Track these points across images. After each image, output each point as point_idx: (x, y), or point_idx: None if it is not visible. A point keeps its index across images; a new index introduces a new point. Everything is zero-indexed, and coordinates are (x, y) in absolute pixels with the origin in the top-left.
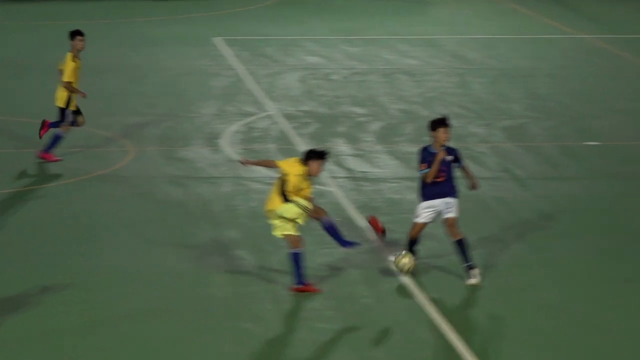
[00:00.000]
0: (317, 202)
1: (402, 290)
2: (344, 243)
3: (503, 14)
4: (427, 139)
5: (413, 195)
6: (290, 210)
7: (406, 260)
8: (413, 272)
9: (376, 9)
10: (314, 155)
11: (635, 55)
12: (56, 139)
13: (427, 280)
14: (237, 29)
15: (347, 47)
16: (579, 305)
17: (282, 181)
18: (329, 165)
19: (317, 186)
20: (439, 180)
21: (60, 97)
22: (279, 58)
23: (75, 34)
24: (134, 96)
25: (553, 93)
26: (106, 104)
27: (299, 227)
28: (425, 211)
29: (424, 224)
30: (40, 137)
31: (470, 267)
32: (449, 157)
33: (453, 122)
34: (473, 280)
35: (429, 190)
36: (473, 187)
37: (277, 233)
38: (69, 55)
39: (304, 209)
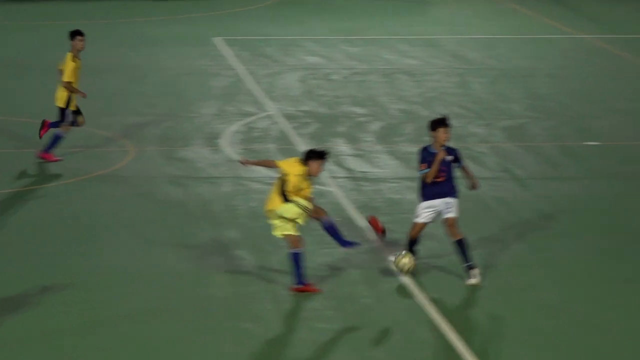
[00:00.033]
0: (317, 202)
1: (402, 290)
2: (344, 243)
3: (503, 14)
4: (427, 139)
5: (413, 195)
6: (290, 210)
7: (406, 260)
8: (413, 272)
9: (376, 9)
10: (314, 155)
11: (635, 55)
12: (56, 139)
13: (427, 280)
14: (237, 29)
15: (347, 47)
16: (579, 305)
17: (282, 181)
18: (329, 165)
19: (317, 186)
20: (439, 180)
21: (60, 97)
22: (279, 58)
23: (75, 34)
24: (134, 96)
25: (553, 93)
26: (106, 104)
27: (299, 227)
28: (425, 211)
29: (424, 224)
30: (40, 137)
31: (470, 267)
32: (449, 157)
33: (453, 122)
34: (473, 280)
35: (429, 190)
36: (473, 187)
37: (277, 233)
38: (69, 55)
39: (304, 209)
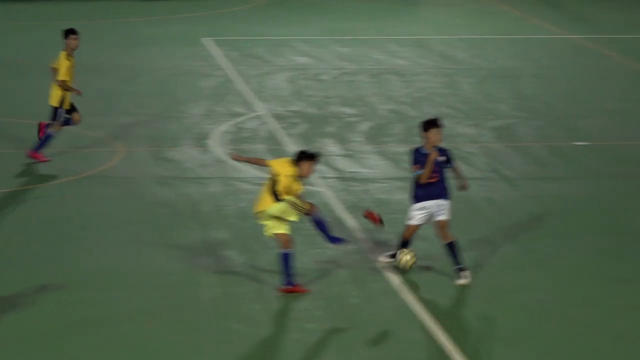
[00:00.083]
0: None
1: (392, 291)
2: (332, 239)
3: (491, 14)
4: (416, 139)
5: (402, 195)
6: (282, 209)
7: (408, 257)
8: (412, 268)
9: (366, 10)
10: (305, 157)
11: (622, 55)
12: (46, 139)
13: (417, 281)
14: (227, 30)
15: (337, 48)
16: (570, 305)
17: (273, 181)
18: (318, 166)
19: (306, 186)
20: (431, 181)
21: (55, 95)
22: (268, 58)
23: (69, 32)
24: (125, 96)
25: (540, 93)
26: (97, 104)
27: (291, 227)
28: (418, 213)
29: (417, 226)
30: (40, 139)
31: (461, 270)
32: (442, 158)
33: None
34: (463, 281)
35: (422, 192)
36: (463, 188)
37: (268, 233)
38: (62, 54)
39: (297, 207)
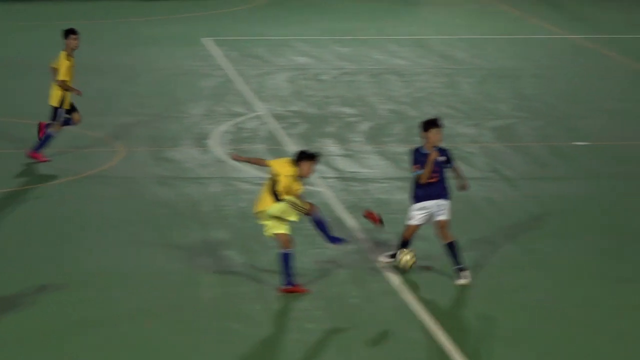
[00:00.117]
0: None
1: (392, 291)
2: (332, 239)
3: (491, 14)
4: (416, 139)
5: (402, 195)
6: (282, 209)
7: (408, 257)
8: (412, 268)
9: (366, 10)
10: (305, 157)
11: (622, 55)
12: (46, 139)
13: (417, 281)
14: (227, 30)
15: (337, 48)
16: (570, 305)
17: (273, 181)
18: (318, 166)
19: (306, 186)
20: (431, 181)
21: (55, 95)
22: (268, 58)
23: (69, 32)
24: (125, 96)
25: (540, 93)
26: (97, 104)
27: (291, 227)
28: (418, 213)
29: (418, 226)
30: (40, 139)
31: (461, 270)
32: (442, 158)
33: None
34: (463, 281)
35: (422, 192)
36: (463, 188)
37: (269, 233)
38: (62, 54)
39: (297, 207)
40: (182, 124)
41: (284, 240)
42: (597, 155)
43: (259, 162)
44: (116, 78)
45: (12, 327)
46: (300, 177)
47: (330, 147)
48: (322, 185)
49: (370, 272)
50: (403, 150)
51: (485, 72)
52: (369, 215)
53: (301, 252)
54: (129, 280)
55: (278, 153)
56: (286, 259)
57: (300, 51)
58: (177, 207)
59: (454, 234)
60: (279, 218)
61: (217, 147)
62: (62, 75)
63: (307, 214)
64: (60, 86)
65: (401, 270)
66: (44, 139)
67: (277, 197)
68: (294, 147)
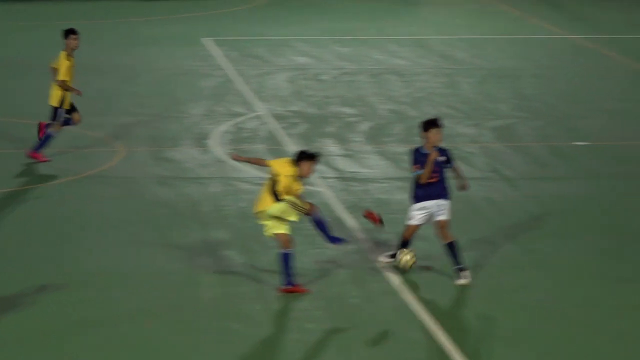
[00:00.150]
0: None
1: (392, 291)
2: (332, 239)
3: (491, 14)
4: (416, 139)
5: (402, 195)
6: (282, 209)
7: (408, 257)
8: (412, 268)
9: (366, 10)
10: (306, 157)
11: (622, 55)
12: (46, 139)
13: (417, 281)
14: (227, 30)
15: (337, 48)
16: (571, 305)
17: (273, 181)
18: (318, 166)
19: (306, 186)
20: (431, 181)
21: (55, 95)
22: (268, 58)
23: (69, 32)
24: (125, 96)
25: (540, 93)
26: (97, 104)
27: (291, 227)
28: (418, 213)
29: (418, 226)
30: (40, 139)
31: (461, 270)
32: (442, 158)
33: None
34: (463, 281)
35: (422, 192)
36: (463, 188)
37: (269, 233)
38: (62, 54)
39: (297, 207)
40: (182, 124)
41: (284, 240)
42: (597, 155)
43: (259, 162)
44: (116, 78)
45: (12, 327)
46: (300, 177)
47: (330, 147)
48: (322, 185)
49: (370, 272)
50: (403, 150)
51: (485, 72)
52: (369, 215)
53: (301, 252)
54: (129, 280)
55: (278, 153)
56: (286, 259)
57: (300, 51)
58: (177, 207)
59: (454, 234)
60: (279, 218)
61: (217, 147)
62: (62, 75)
63: (307, 214)
64: (60, 86)
65: (401, 270)
66: (44, 139)
67: (277, 197)
68: (294, 147)
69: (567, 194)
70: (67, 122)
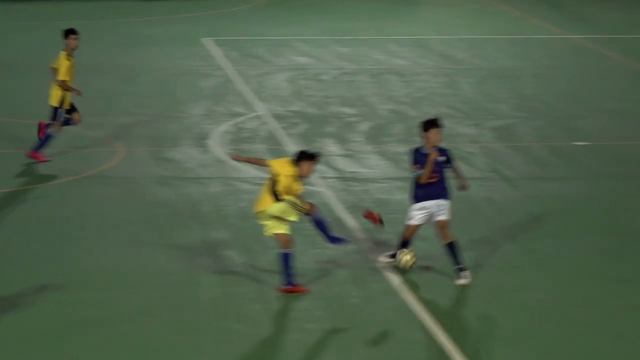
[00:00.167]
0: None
1: (392, 291)
2: (332, 239)
3: (491, 14)
4: (416, 139)
5: (402, 195)
6: (282, 209)
7: (408, 257)
8: (412, 268)
9: (366, 10)
10: (305, 157)
11: (622, 55)
12: (46, 139)
13: (417, 281)
14: (227, 30)
15: (337, 48)
16: (571, 305)
17: (273, 181)
18: (318, 166)
19: (306, 186)
20: (431, 181)
21: (55, 95)
22: (268, 58)
23: (69, 32)
24: (125, 96)
25: (540, 93)
26: (97, 104)
27: (291, 227)
28: (418, 213)
29: (417, 226)
30: (40, 139)
31: (461, 270)
32: (442, 158)
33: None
34: (463, 281)
35: (422, 192)
36: (463, 188)
37: (269, 233)
38: (62, 54)
39: (297, 207)
40: (182, 124)
41: (284, 240)
42: (597, 155)
43: (259, 162)
44: (116, 78)
45: (12, 327)
46: (300, 177)
47: (330, 147)
48: (322, 185)
49: (370, 272)
50: (403, 150)
51: (485, 72)
52: (368, 215)
53: (301, 252)
54: (129, 280)
55: (278, 153)
56: (286, 259)
57: (300, 51)
58: (177, 207)
59: (454, 234)
60: (279, 218)
61: (217, 147)
62: (62, 75)
63: (307, 214)
64: (60, 86)
65: (401, 270)
66: (44, 139)
67: (277, 197)
68: (294, 147)
69: (567, 194)
70: (67, 122)
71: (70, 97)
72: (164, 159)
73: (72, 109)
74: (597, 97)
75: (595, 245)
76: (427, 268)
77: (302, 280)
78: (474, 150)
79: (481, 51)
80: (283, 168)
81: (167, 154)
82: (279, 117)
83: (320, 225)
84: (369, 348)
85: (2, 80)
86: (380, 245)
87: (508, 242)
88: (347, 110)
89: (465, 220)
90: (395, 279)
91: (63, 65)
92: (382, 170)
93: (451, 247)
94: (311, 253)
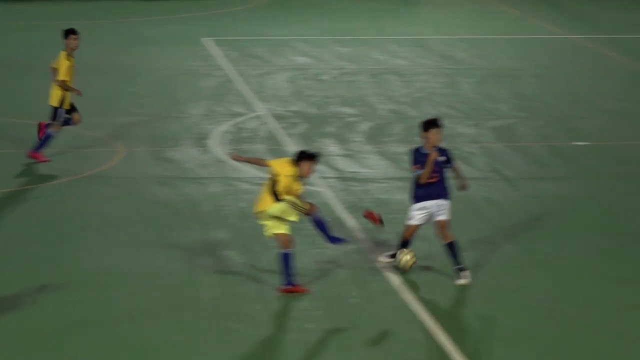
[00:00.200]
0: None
1: (392, 291)
2: (332, 239)
3: (491, 14)
4: (416, 139)
5: (402, 195)
6: (282, 209)
7: (408, 257)
8: (412, 268)
9: (366, 10)
10: (306, 157)
11: (622, 55)
12: (46, 139)
13: (417, 281)
14: (227, 30)
15: (337, 48)
16: (571, 305)
17: (273, 182)
18: (318, 166)
19: (306, 186)
20: (431, 181)
21: (55, 95)
22: (268, 58)
23: (69, 32)
24: (125, 96)
25: (540, 93)
26: (97, 104)
27: (291, 227)
28: (418, 213)
29: (418, 226)
30: (40, 139)
31: (461, 270)
32: (442, 158)
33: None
34: (463, 281)
35: (422, 192)
36: (463, 188)
37: (269, 233)
38: (62, 54)
39: (297, 207)
40: (182, 124)
41: (284, 240)
42: (597, 155)
43: (259, 162)
44: (116, 78)
45: (12, 327)
46: (301, 177)
47: (330, 147)
48: (322, 185)
49: (370, 272)
50: (403, 150)
51: (485, 72)
52: (368, 215)
53: (301, 252)
54: (129, 280)
55: (278, 153)
56: (286, 259)
57: (300, 51)
58: (177, 207)
59: (454, 234)
60: (279, 218)
61: (217, 147)
62: (62, 75)
63: (307, 214)
64: (60, 86)
65: (401, 270)
66: (44, 139)
67: (277, 197)
68: (294, 147)
69: (567, 194)
70: (67, 122)
71: (70, 97)
72: (164, 159)
73: (72, 109)
74: (597, 97)
75: (595, 245)
76: (427, 268)
77: (302, 280)
78: (474, 150)
79: (481, 51)
80: (283, 168)
81: (167, 154)
82: (279, 117)
83: (320, 225)
84: (369, 348)
85: (2, 80)
86: (380, 245)
87: (508, 242)
88: (347, 110)
89: (465, 220)
90: (395, 279)
91: (63, 65)
92: (382, 170)
93: (451, 247)
94: (311, 253)
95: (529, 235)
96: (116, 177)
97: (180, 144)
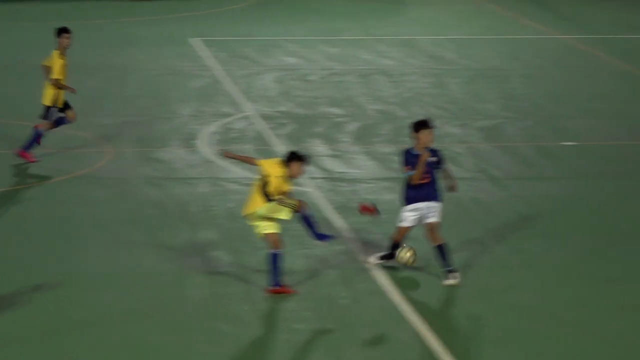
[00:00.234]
0: None
1: (381, 291)
2: (320, 236)
3: (480, 14)
4: (404, 140)
5: (390, 195)
6: (273, 208)
7: (408, 254)
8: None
9: (354, 10)
10: (296, 158)
11: (610, 56)
12: (36, 137)
13: (406, 281)
14: (215, 30)
15: (325, 48)
16: (559, 306)
17: (263, 182)
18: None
19: (295, 187)
20: (423, 182)
21: (48, 94)
22: (256, 59)
23: (62, 31)
24: (113, 97)
25: (528, 93)
26: (86, 104)
27: (281, 227)
28: (410, 215)
29: (408, 228)
30: (39, 143)
31: (451, 272)
32: (433, 159)
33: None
34: (451, 281)
35: (413, 193)
36: (452, 189)
37: (259, 233)
38: (55, 53)
39: (286, 203)
40: (171, 125)
41: (274, 241)
42: (586, 156)
43: (249, 161)
44: (105, 78)
45: (9, 326)
46: (290, 178)
47: (318, 148)
48: (310, 185)
49: (359, 273)
50: (391, 150)
51: (473, 72)
52: (364, 210)
53: (290, 253)
54: (118, 281)
55: (266, 153)
56: (275, 259)
57: (288, 51)
58: (165, 208)
59: (443, 234)
60: (269, 217)
61: (206, 147)
62: (56, 74)
63: (296, 210)
64: (54, 85)
65: (402, 266)
66: (33, 138)
67: (268, 198)
68: (282, 148)
69: (555, 194)
70: (61, 121)
71: (63, 95)
72: (153, 159)
73: (66, 107)
74: (586, 98)
75: (584, 245)
76: (415, 268)
77: (291, 280)
78: (461, 150)
79: (469, 51)
80: (273, 169)
81: (155, 154)
82: (267, 118)
83: (307, 221)
84: (358, 349)
85: (2, 81)
86: (369, 245)
87: (497, 243)
88: (336, 110)
89: (453, 220)
90: (384, 280)
91: (57, 63)
92: (370, 171)
93: (441, 250)
94: (300, 253)
95: (517, 235)
96: (105, 178)
97: (168, 145)
